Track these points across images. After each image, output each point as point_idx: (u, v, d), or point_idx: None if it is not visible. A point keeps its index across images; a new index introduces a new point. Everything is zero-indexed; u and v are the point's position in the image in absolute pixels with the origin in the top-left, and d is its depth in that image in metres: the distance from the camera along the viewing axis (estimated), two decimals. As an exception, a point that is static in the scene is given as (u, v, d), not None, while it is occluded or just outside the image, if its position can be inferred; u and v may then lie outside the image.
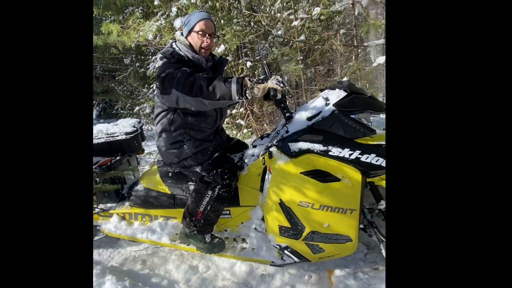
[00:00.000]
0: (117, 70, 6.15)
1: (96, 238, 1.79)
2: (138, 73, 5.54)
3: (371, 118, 1.17)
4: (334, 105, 1.17)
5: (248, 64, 2.86)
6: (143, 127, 1.82)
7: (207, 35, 1.27)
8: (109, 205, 1.66)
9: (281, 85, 1.07)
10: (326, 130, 1.16)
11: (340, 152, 1.12)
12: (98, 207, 1.64)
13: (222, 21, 2.40)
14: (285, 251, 1.26)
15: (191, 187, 1.43)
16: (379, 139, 1.13)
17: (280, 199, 1.18)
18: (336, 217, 1.14)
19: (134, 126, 1.68)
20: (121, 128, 1.66)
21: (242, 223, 1.45)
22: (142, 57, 5.52)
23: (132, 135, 1.65)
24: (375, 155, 1.10)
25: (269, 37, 2.98)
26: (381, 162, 1.10)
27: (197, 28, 1.26)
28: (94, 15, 5.40)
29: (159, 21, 2.94)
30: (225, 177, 1.28)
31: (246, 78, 1.08)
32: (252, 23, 2.61)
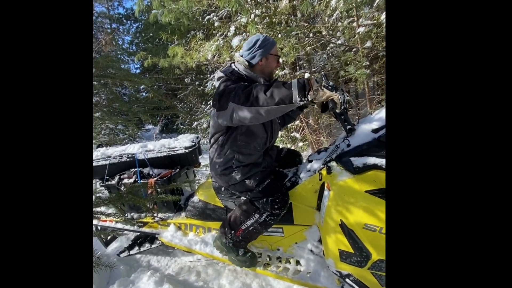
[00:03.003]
0: (179, 89, 6.96)
1: (153, 246, 1.98)
2: (197, 91, 6.16)
3: None
4: None
5: (306, 75, 2.88)
6: (200, 141, 1.99)
7: (277, 57, 1.35)
8: (167, 215, 1.82)
9: (344, 103, 1.02)
10: None
11: None
12: (158, 216, 1.81)
13: (279, 35, 2.51)
14: (347, 280, 1.15)
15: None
16: None
17: (341, 220, 1.09)
18: None
19: (192, 141, 1.84)
20: (181, 142, 1.83)
21: (296, 243, 1.40)
22: (201, 76, 6.14)
23: (190, 149, 1.80)
24: None
25: (328, 48, 2.97)
26: None
27: (274, 52, 1.33)
28: (162, 40, 6.33)
29: (218, 41, 3.25)
30: (275, 206, 1.27)
31: (313, 79, 1.03)
32: (311, 34, 2.65)
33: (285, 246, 1.43)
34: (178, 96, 7.00)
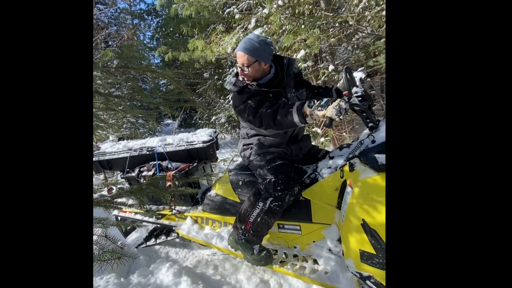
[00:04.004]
0: (197, 84, 7.06)
1: (169, 238, 2.03)
2: (216, 86, 6.21)
3: None
4: None
5: (331, 67, 2.80)
6: (218, 136, 2.02)
7: (239, 68, 1.34)
8: (184, 208, 1.85)
9: (340, 115, 1.00)
10: None
11: None
12: (175, 209, 1.85)
13: (303, 26, 2.46)
14: (367, 282, 1.12)
15: None
16: None
17: (363, 220, 1.06)
18: None
19: (210, 136, 1.87)
20: (199, 137, 1.87)
21: (314, 241, 1.38)
22: (220, 70, 6.18)
23: (208, 144, 1.83)
24: None
25: (353, 39, 2.86)
26: None
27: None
28: (182, 34, 6.43)
29: (238, 34, 3.25)
30: (278, 188, 1.27)
31: (306, 105, 1.08)
32: (337, 24, 2.57)
33: (303, 244, 1.42)
34: (197, 91, 7.12)
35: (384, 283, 1.09)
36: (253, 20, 3.03)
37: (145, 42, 10.15)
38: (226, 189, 1.63)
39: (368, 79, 1.37)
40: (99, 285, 1.58)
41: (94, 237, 0.97)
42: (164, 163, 1.84)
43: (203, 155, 1.86)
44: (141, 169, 1.87)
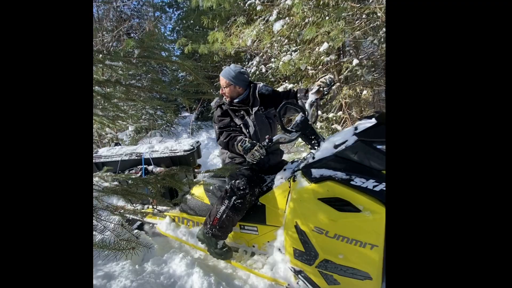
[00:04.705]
0: (216, 77, 7.11)
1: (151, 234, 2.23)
2: (234, 79, 6.21)
3: None
4: (357, 134, 1.19)
5: (355, 61, 2.71)
6: (200, 146, 2.30)
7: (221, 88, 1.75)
8: (164, 208, 2.11)
9: (255, 160, 1.40)
10: (350, 159, 1.18)
11: (364, 183, 1.12)
12: (157, 209, 2.11)
13: (327, 17, 2.38)
14: (299, 276, 1.34)
15: None
16: None
17: (296, 222, 1.26)
18: (353, 249, 1.13)
19: (191, 145, 2.14)
20: (182, 146, 2.13)
21: (268, 241, 1.61)
22: (239, 63, 6.18)
23: (189, 152, 2.09)
24: None
25: (381, 31, 2.74)
26: None
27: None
28: (202, 27, 6.47)
29: (259, 26, 3.21)
30: (241, 188, 1.53)
31: (239, 144, 1.49)
32: (363, 16, 2.47)
33: (259, 243, 1.66)
34: (214, 84, 7.17)
35: (311, 278, 1.28)
36: (274, 12, 2.98)
37: (165, 34, 10.33)
38: (199, 192, 1.90)
39: (321, 101, 1.62)
40: (115, 271, 1.65)
41: (111, 225, 1.01)
42: (150, 167, 2.12)
43: (184, 162, 2.12)
44: (130, 171, 2.13)
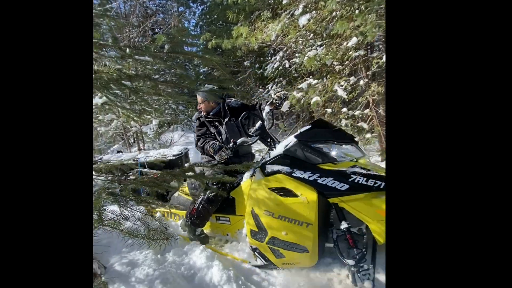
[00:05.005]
0: (238, 72, 7.13)
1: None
2: (256, 74, 6.21)
3: (333, 147, 1.54)
4: (295, 136, 1.60)
5: (385, 57, 2.60)
6: (188, 152, 2.68)
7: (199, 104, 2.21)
8: (156, 204, 2.40)
9: (223, 160, 1.84)
10: (293, 156, 1.56)
11: (302, 174, 1.48)
12: (151, 205, 2.34)
13: (357, 11, 2.30)
14: (255, 252, 1.66)
15: None
16: (342, 166, 1.47)
17: (252, 208, 1.58)
18: (293, 227, 1.47)
19: (180, 151, 2.53)
20: (172, 152, 2.53)
21: (239, 229, 1.92)
22: (262, 58, 6.15)
23: (177, 157, 2.45)
24: (332, 179, 1.41)
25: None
26: (336, 185, 1.39)
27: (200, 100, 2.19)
28: (226, 22, 6.49)
29: (284, 20, 3.16)
30: (214, 183, 1.83)
31: (210, 147, 1.92)
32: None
33: (232, 232, 1.97)
34: (236, 79, 7.20)
35: (263, 253, 1.60)
36: (301, 6, 2.92)
37: (189, 29, 10.47)
38: (184, 190, 2.24)
39: (275, 110, 2.00)
40: (138, 259, 1.72)
41: (139, 214, 1.05)
42: (145, 170, 2.42)
43: (174, 165, 2.45)
44: (128, 174, 2.41)
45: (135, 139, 5.44)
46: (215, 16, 7.83)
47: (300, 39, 3.35)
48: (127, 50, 1.08)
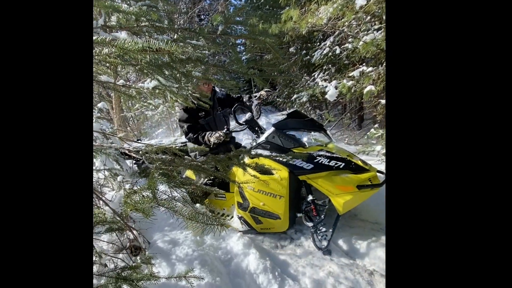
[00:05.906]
0: (283, 59, 6.97)
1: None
2: (302, 61, 6.01)
3: (304, 134, 1.99)
4: (273, 125, 2.04)
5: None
6: (186, 144, 2.82)
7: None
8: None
9: (218, 141, 2.05)
10: (272, 142, 2.00)
11: (277, 157, 1.91)
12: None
13: None
14: (241, 220, 2.12)
15: None
16: (310, 149, 1.88)
17: (239, 184, 1.87)
18: (268, 199, 1.92)
19: (182, 143, 2.74)
20: (179, 141, 2.87)
21: (232, 204, 2.26)
22: (309, 44, 5.91)
23: (183, 145, 2.67)
24: (301, 160, 1.81)
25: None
26: (303, 165, 1.81)
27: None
28: (273, 6, 6.30)
29: (338, 1, 2.95)
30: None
31: (207, 135, 2.14)
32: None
33: (227, 206, 2.33)
34: (279, 66, 7.06)
35: (247, 220, 2.07)
36: (359, -15, 2.68)
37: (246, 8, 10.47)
38: (190, 173, 2.53)
39: (261, 99, 2.29)
40: (179, 238, 1.82)
41: (178, 195, 1.09)
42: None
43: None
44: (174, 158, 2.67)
45: (177, 125, 5.71)
46: (262, 1, 7.69)
47: (354, 23, 3.11)
48: (180, 32, 1.09)
